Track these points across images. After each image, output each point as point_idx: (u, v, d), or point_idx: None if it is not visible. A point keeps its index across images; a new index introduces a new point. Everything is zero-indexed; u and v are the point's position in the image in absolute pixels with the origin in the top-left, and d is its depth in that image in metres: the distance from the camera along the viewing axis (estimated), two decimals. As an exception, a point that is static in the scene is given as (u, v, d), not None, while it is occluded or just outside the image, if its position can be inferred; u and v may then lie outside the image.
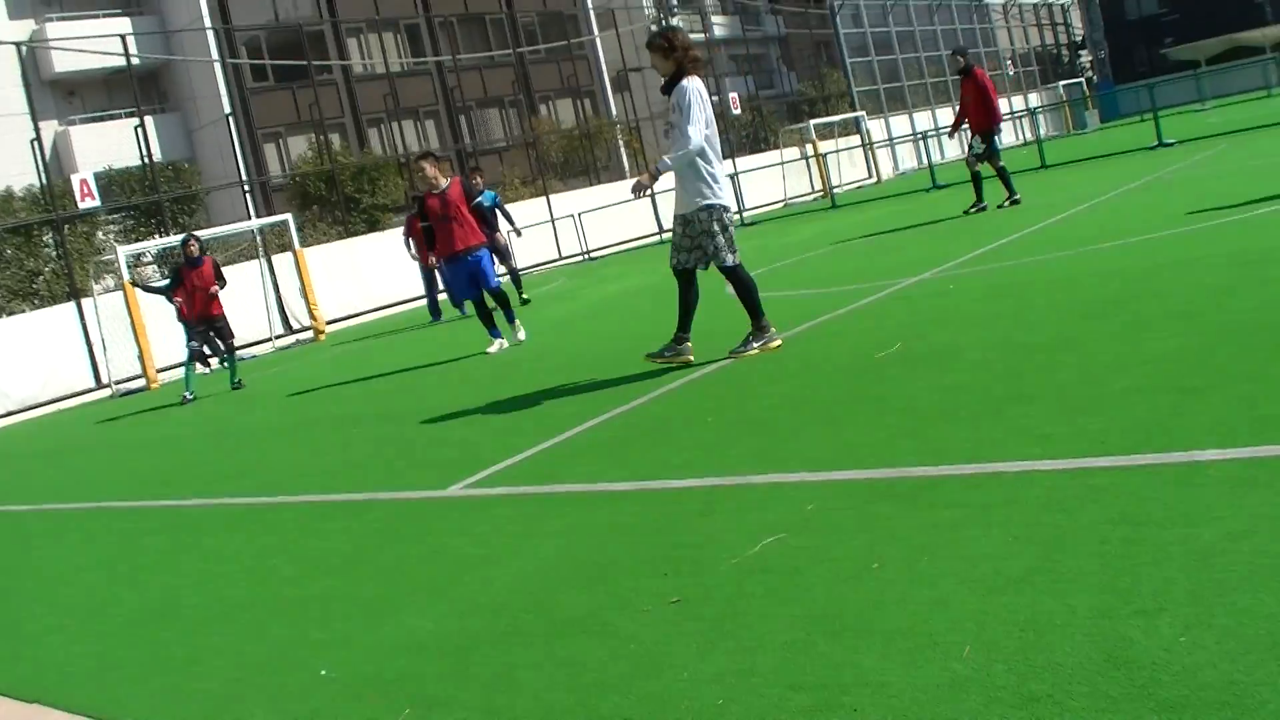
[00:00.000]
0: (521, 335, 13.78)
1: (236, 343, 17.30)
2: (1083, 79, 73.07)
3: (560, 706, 3.46)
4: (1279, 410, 4.65)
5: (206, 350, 16.84)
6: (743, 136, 54.17)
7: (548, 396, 9.29)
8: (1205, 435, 4.53)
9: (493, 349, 13.43)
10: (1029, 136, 45.24)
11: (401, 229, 22.41)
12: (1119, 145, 30.10)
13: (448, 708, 3.65)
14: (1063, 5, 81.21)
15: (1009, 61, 67.65)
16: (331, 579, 5.46)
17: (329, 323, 27.53)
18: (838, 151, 43.70)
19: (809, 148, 43.95)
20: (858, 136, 47.42)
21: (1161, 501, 3.95)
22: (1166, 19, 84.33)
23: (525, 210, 32.69)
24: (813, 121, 45.65)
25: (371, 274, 29.92)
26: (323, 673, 4.23)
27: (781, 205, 41.45)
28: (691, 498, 5.35)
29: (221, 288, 16.63)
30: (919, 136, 40.84)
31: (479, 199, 19.88)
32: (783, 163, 43.27)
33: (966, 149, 19.23)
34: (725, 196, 8.84)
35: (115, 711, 4.35)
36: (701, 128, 8.59)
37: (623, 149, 55.16)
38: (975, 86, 18.84)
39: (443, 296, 21.49)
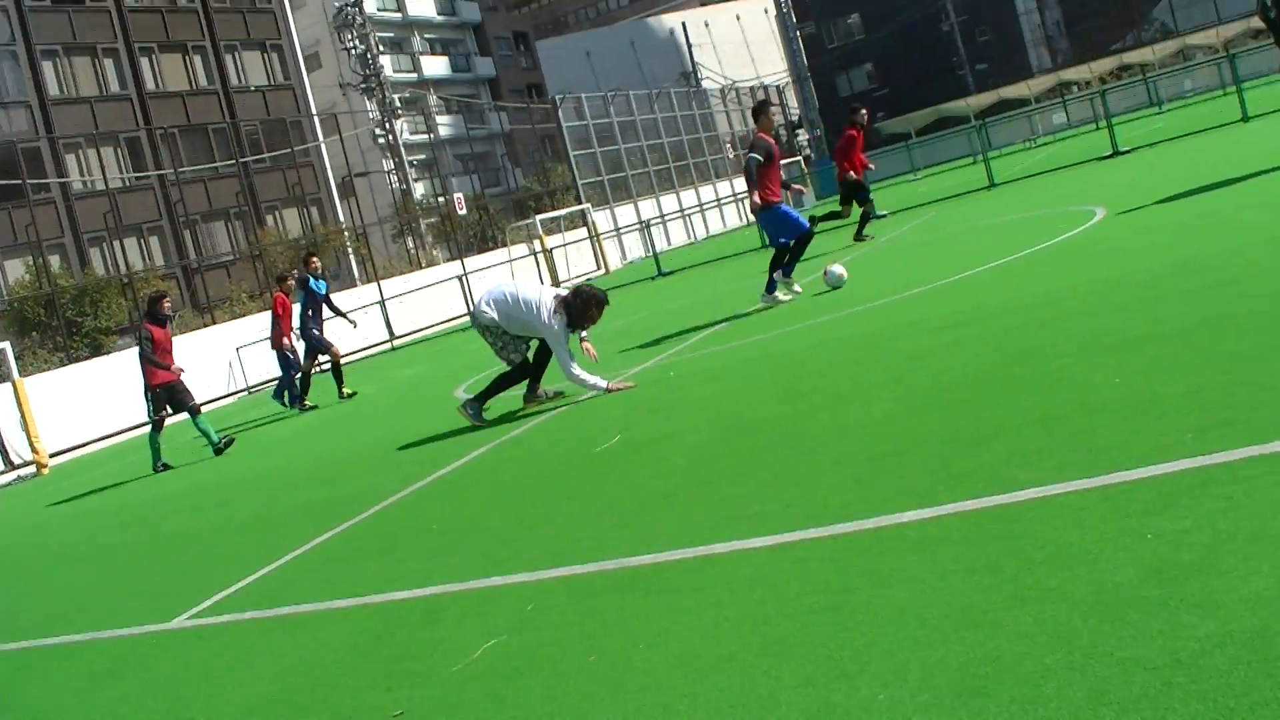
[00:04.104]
0: None
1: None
2: (800, 157, 75.42)
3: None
4: (968, 467, 4.90)
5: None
6: (470, 236, 54.43)
7: (274, 514, 9.18)
8: (903, 498, 4.74)
9: None
10: (750, 218, 46.43)
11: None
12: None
13: None
14: (779, 87, 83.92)
15: (728, 145, 69.44)
16: (47, 730, 5.26)
17: (53, 455, 26.49)
18: (565, 245, 44.18)
19: (536, 243, 44.30)
20: (585, 229, 47.96)
21: (861, 567, 4.11)
22: (877, 94, 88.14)
23: (256, 324, 32.11)
24: (539, 217, 46.07)
25: (98, 401, 28.84)
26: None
27: (514, 302, 41.55)
28: (415, 608, 5.32)
29: None
30: (644, 225, 41.57)
31: (315, 285, 19.33)
32: (510, 260, 43.51)
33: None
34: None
35: None
36: None
37: (351, 255, 54.88)
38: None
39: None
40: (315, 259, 19.80)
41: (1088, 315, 7.76)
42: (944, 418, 5.94)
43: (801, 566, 4.31)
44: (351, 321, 20.42)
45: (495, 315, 10.52)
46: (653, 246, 35.18)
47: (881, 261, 16.36)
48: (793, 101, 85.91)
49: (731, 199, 61.27)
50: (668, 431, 7.79)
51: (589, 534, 5.72)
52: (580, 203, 51.23)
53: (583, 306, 10.46)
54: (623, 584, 4.75)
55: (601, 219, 50.36)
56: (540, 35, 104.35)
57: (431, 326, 38.54)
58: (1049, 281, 9.85)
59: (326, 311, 19.65)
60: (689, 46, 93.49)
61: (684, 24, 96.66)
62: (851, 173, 21.14)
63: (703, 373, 10.17)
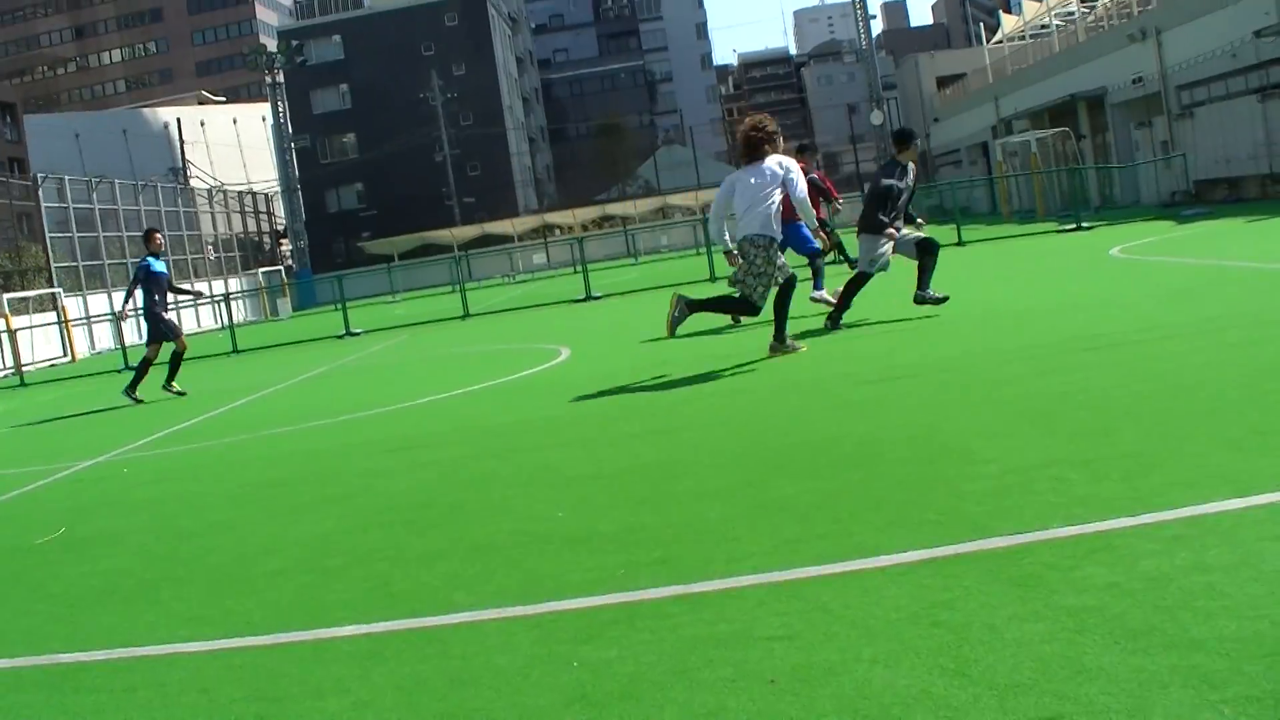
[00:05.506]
0: None
1: None
2: (281, 267, 74.78)
3: None
4: (408, 587, 5.12)
5: None
6: (-71, 306, 50.87)
7: None
8: (341, 612, 4.88)
9: None
10: (225, 321, 45.49)
11: None
12: (310, 333, 31.10)
13: None
14: (266, 195, 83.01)
15: (209, 246, 67.94)
16: None
17: None
18: (32, 328, 41.84)
19: (1, 322, 41.82)
20: (54, 313, 45.68)
21: (295, 677, 4.21)
22: (365, 214, 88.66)
23: None
24: (7, 295, 43.54)
25: None
26: None
27: (-34, 382, 39.08)
28: None
29: None
30: (116, 316, 40.01)
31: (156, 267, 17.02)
32: (-27, 337, 40.89)
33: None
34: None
35: None
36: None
37: None
38: None
39: None
40: (158, 235, 17.79)
41: (536, 450, 8.22)
42: (388, 537, 6.18)
43: (236, 673, 4.36)
44: (195, 293, 22.04)
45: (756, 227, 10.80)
46: (122, 339, 33.85)
47: (350, 379, 16.53)
48: (280, 211, 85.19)
49: (209, 300, 59.75)
50: (112, 529, 7.60)
51: (18, 626, 5.51)
52: (52, 286, 48.83)
53: (770, 133, 10.96)
54: (52, 680, 4.62)
55: (73, 305, 48.11)
56: (30, 109, 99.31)
57: None
58: (503, 414, 10.34)
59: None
60: (181, 143, 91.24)
61: (179, 120, 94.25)
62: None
63: (155, 473, 9.97)
